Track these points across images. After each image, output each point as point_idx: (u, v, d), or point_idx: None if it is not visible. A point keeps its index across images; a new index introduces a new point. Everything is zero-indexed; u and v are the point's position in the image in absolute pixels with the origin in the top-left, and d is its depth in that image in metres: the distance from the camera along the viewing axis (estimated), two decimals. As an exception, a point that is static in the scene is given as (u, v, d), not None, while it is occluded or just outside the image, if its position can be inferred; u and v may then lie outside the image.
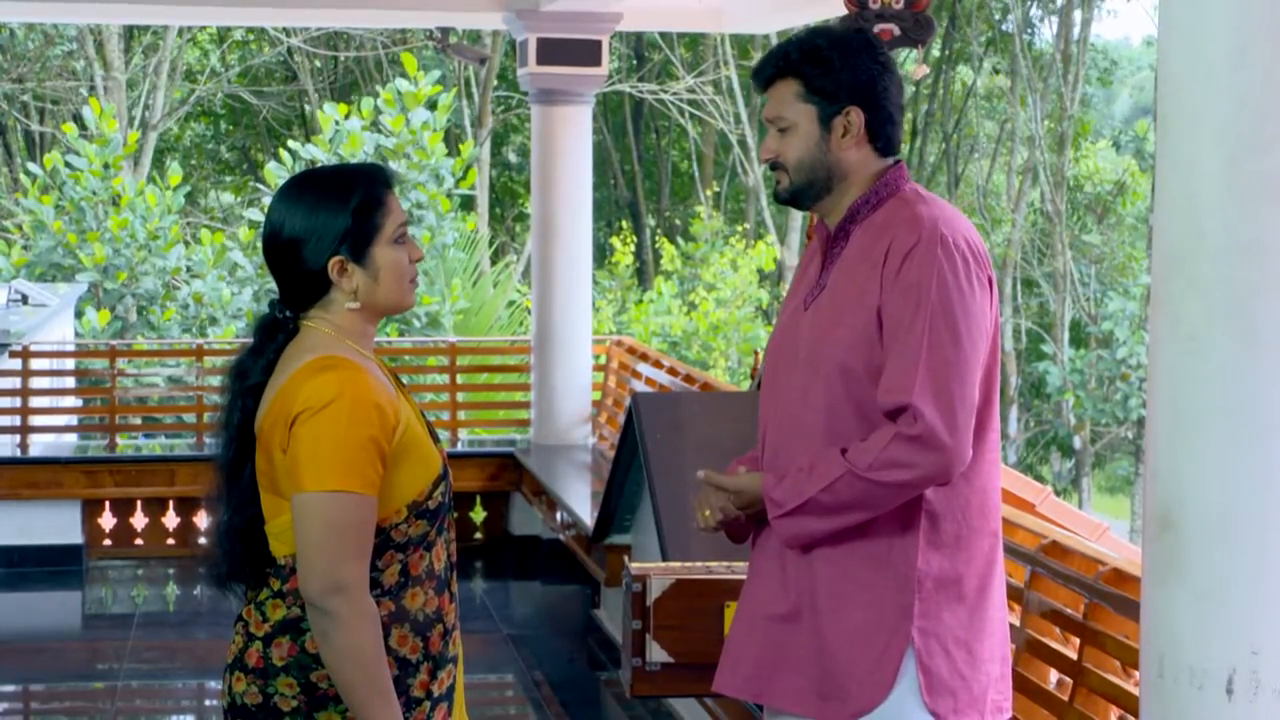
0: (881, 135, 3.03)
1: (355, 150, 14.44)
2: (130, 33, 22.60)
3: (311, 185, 2.82)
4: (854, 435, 2.92)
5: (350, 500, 2.65)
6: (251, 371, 2.80)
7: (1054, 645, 4.13)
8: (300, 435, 2.66)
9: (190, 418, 10.73)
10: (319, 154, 14.57)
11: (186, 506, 9.16)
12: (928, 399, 2.83)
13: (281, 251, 2.79)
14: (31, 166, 16.17)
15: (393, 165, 14.52)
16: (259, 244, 15.79)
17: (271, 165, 15.21)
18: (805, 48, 3.02)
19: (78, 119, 18.04)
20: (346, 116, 14.87)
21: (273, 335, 2.81)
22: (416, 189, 14.55)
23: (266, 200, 15.53)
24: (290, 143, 15.86)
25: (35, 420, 9.68)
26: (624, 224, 26.96)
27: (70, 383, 11.35)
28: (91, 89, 21.46)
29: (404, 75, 14.91)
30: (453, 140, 22.23)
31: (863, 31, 3.15)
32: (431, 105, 14.92)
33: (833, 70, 2.99)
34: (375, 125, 14.87)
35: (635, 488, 6.44)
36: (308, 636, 2.71)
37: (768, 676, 3.05)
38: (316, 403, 2.66)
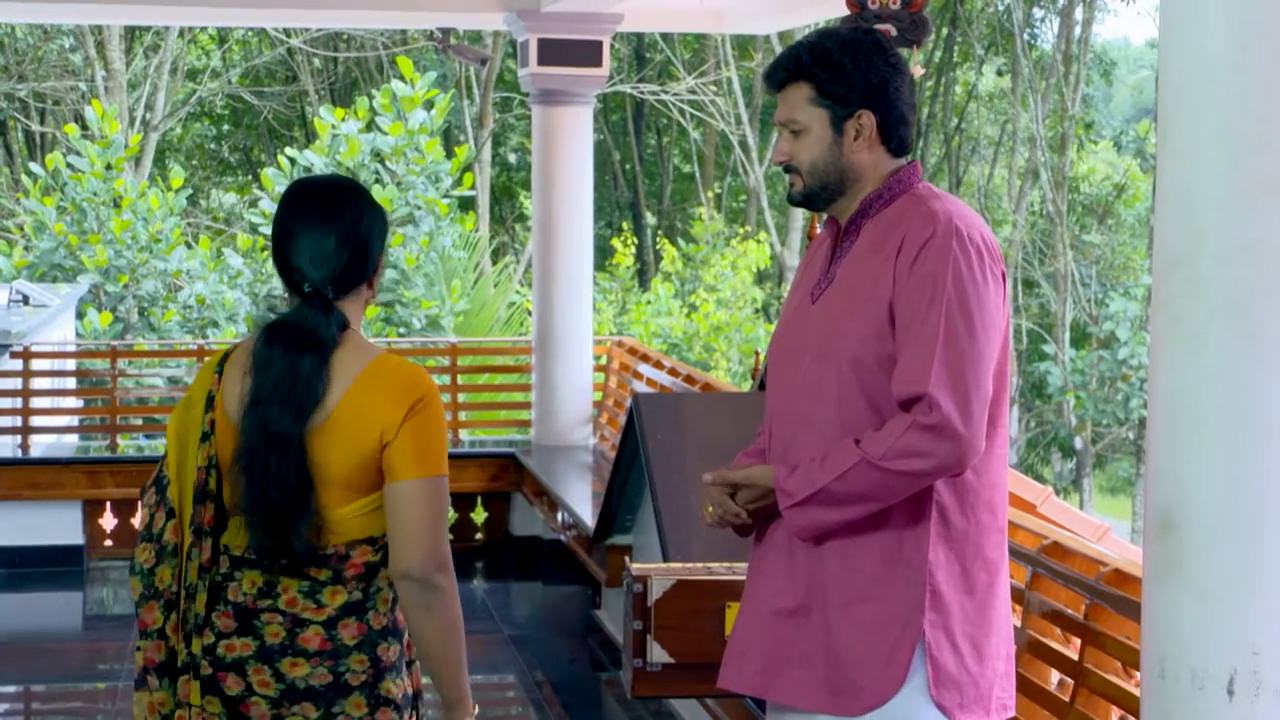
0: (894, 136, 3.04)
1: (354, 155, 14.43)
2: (131, 33, 22.60)
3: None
4: (865, 427, 2.93)
5: (446, 483, 2.85)
6: (322, 330, 2.83)
7: (1055, 646, 4.13)
8: (417, 424, 2.81)
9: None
10: (317, 160, 14.57)
11: (187, 507, 9.14)
12: (944, 389, 2.84)
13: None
14: (33, 167, 16.16)
15: (391, 167, 14.54)
16: (257, 249, 15.79)
17: (270, 171, 15.21)
18: (816, 51, 3.02)
19: (79, 119, 18.04)
20: (343, 119, 14.86)
21: (328, 310, 2.86)
22: (413, 193, 14.54)
23: (266, 204, 15.54)
24: (289, 149, 15.85)
25: (36, 421, 9.68)
26: (625, 224, 26.96)
27: (71, 383, 11.35)
28: (92, 89, 21.46)
29: (402, 78, 14.90)
30: (452, 141, 22.23)
31: (872, 33, 3.12)
32: (429, 106, 14.91)
33: (844, 73, 3.00)
34: (373, 126, 14.86)
35: (636, 488, 6.44)
36: (370, 614, 2.85)
37: (775, 672, 3.04)
38: (424, 393, 2.83)
